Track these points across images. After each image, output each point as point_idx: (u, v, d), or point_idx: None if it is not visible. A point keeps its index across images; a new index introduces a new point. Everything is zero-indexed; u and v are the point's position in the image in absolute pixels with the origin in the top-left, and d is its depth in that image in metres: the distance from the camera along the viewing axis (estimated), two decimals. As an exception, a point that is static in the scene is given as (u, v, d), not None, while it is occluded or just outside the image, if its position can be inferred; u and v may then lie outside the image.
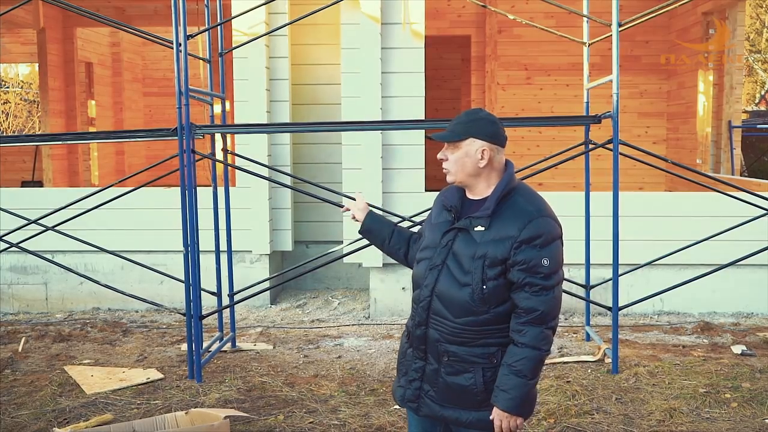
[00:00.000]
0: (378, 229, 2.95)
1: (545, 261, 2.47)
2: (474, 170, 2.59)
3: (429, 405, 2.64)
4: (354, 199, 3.06)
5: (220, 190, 6.01)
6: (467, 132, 2.58)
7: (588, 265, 6.04)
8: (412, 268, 2.79)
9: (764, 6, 19.63)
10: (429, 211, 2.87)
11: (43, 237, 6.05)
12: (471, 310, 2.52)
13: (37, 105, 17.04)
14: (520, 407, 2.50)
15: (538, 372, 2.52)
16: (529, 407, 2.58)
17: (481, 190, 2.62)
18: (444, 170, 2.65)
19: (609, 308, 5.43)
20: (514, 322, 2.51)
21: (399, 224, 3.07)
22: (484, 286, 2.50)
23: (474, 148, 2.57)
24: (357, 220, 3.00)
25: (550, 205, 2.61)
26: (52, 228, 5.81)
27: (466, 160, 2.59)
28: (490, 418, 2.54)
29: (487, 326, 2.53)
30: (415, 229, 3.28)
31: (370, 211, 3.00)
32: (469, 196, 2.66)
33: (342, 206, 3.25)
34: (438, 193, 2.83)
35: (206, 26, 5.71)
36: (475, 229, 2.55)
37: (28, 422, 4.48)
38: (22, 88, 20.06)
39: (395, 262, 7.37)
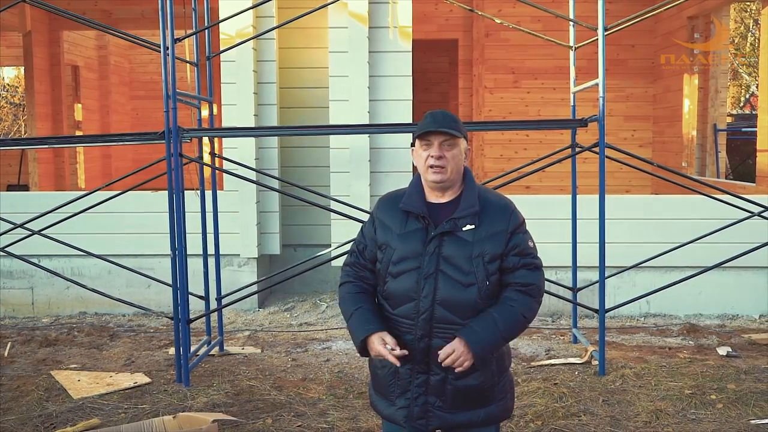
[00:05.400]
0: (381, 322, 2.65)
1: (530, 243, 2.66)
2: (461, 169, 2.64)
3: (439, 416, 2.62)
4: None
5: (208, 193, 6.00)
6: (462, 131, 2.62)
7: (575, 267, 6.08)
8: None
9: (748, 10, 19.80)
10: (369, 223, 2.73)
11: (29, 241, 6.01)
12: (477, 307, 2.57)
13: (23, 108, 16.96)
14: (479, 349, 2.51)
15: (512, 334, 2.60)
16: (490, 363, 2.60)
17: (453, 190, 2.64)
18: (436, 169, 2.56)
19: (596, 310, 5.46)
20: (508, 292, 2.58)
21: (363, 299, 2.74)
22: (488, 282, 2.56)
23: (464, 146, 2.64)
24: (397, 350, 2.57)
25: None
26: (39, 232, 5.78)
27: (459, 159, 2.62)
28: (447, 346, 2.51)
29: None
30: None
31: (383, 331, 2.61)
32: (435, 199, 2.64)
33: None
34: (380, 201, 2.73)
35: (194, 30, 5.71)
36: (464, 228, 2.56)
37: (15, 427, 4.45)
38: (7, 91, 19.95)
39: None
